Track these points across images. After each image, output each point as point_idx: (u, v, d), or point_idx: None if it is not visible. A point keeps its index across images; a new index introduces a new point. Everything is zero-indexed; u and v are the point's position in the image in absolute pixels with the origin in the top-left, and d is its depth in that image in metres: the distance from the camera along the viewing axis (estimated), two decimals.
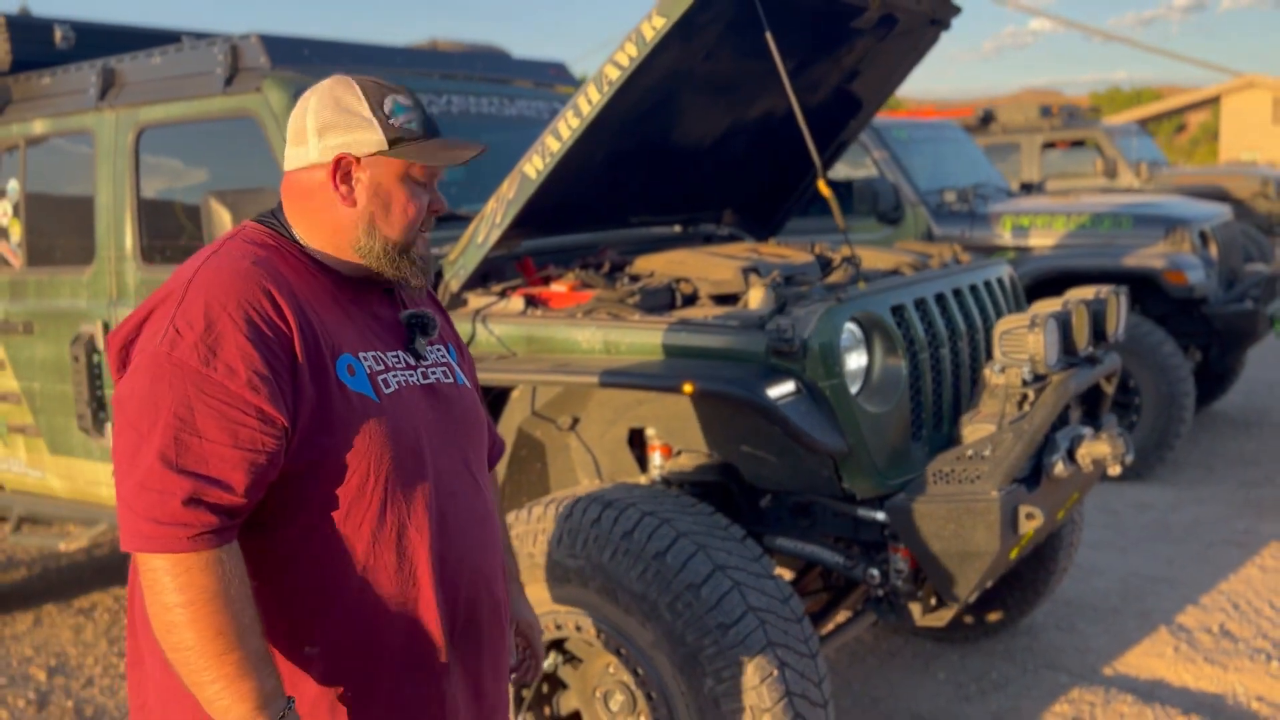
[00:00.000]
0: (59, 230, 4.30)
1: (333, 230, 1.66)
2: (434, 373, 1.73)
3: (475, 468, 1.77)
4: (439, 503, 1.65)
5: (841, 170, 7.98)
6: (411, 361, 1.70)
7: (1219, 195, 11.03)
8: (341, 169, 1.63)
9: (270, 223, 1.69)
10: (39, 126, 4.27)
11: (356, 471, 1.56)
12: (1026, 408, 3.01)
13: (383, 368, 1.64)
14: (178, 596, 1.45)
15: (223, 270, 1.56)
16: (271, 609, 1.57)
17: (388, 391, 1.62)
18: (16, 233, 4.37)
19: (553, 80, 4.84)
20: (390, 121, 1.63)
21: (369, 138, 1.62)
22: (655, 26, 2.90)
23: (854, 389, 2.88)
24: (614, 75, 2.96)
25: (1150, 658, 4.16)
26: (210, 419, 1.47)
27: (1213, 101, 28.89)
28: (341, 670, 1.59)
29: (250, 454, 1.48)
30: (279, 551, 1.57)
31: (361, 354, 1.63)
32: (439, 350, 1.78)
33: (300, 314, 1.56)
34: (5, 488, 4.59)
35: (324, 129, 1.62)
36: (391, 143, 1.62)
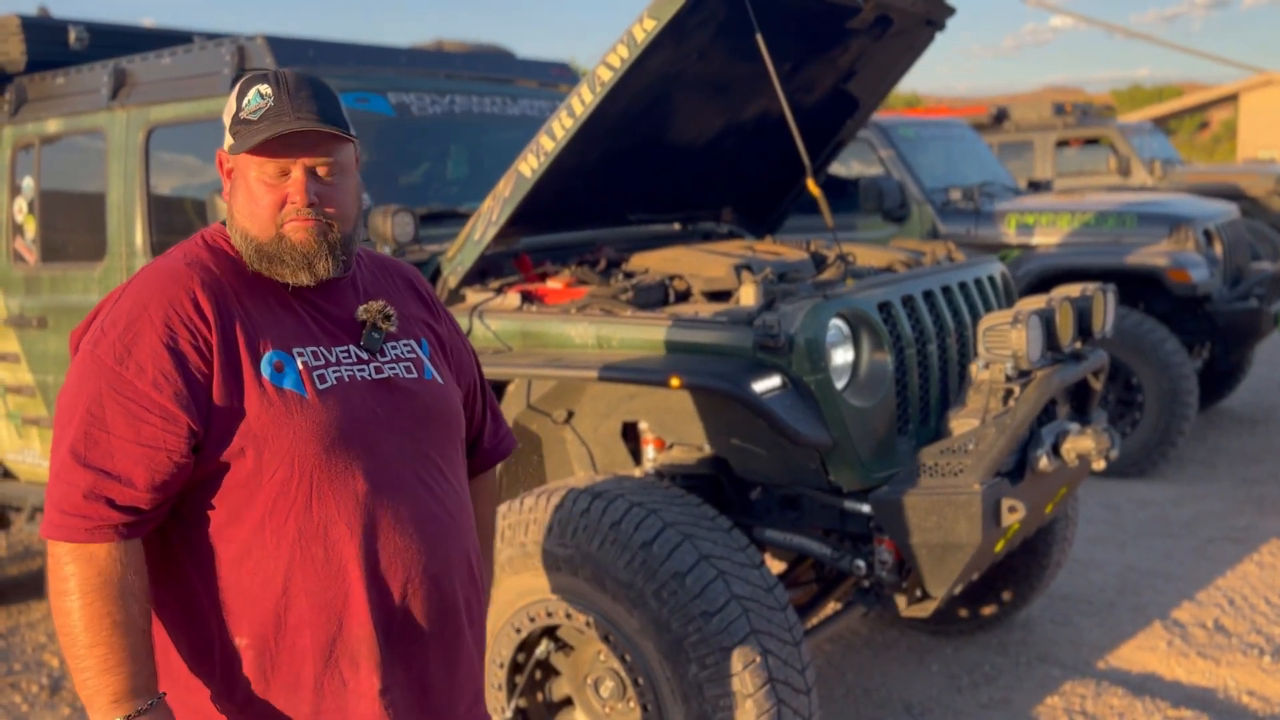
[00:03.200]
0: (72, 227, 4.40)
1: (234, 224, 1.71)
2: (392, 368, 1.74)
3: (436, 463, 1.76)
4: (375, 499, 1.66)
5: (848, 168, 8.03)
6: (364, 356, 1.72)
7: (1233, 193, 10.99)
8: (223, 166, 1.69)
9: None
10: (53, 125, 4.37)
11: (280, 467, 1.60)
12: (1011, 403, 3.06)
13: (321, 363, 1.66)
14: (70, 584, 1.55)
15: (156, 272, 1.64)
16: (202, 601, 1.64)
17: (322, 387, 1.64)
18: (31, 229, 4.47)
19: (556, 80, 4.91)
20: (239, 114, 1.64)
21: (226, 133, 1.67)
22: (646, 29, 2.96)
23: (840, 384, 2.94)
24: (606, 77, 3.02)
25: (1143, 651, 4.20)
26: (119, 415, 1.56)
27: (1232, 99, 28.70)
28: (272, 663, 1.64)
29: (152, 451, 1.56)
30: (207, 544, 1.63)
31: (296, 350, 1.65)
32: (405, 345, 1.79)
33: (224, 313, 1.62)
34: (20, 478, 4.70)
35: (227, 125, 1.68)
36: (234, 135, 1.64)
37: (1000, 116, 11.47)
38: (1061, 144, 11.38)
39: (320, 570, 1.63)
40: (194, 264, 1.65)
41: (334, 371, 1.67)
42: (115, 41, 4.66)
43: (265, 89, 1.63)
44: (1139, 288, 6.59)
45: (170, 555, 1.65)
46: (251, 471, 1.61)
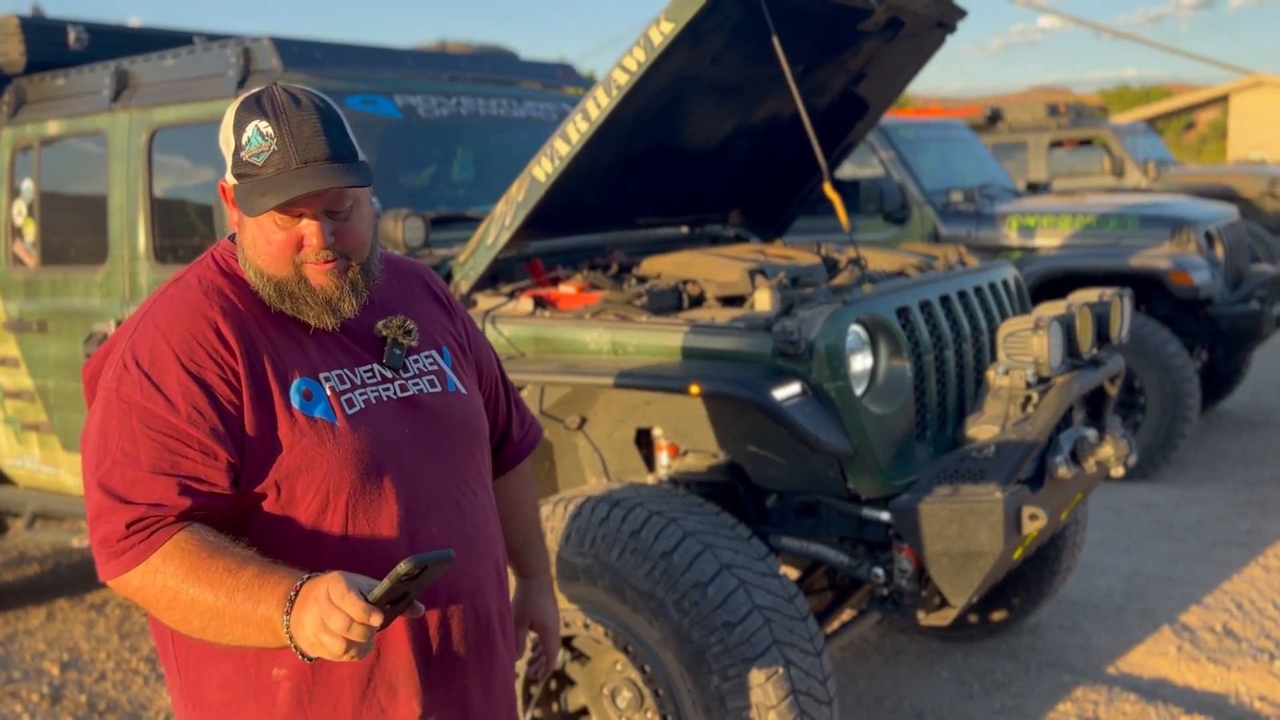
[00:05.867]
0: (73, 230, 4.35)
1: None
2: (416, 384, 1.69)
3: (465, 477, 1.73)
4: (411, 522, 1.62)
5: (848, 169, 8.00)
6: (387, 374, 1.67)
7: (1227, 194, 11.02)
8: (226, 195, 1.61)
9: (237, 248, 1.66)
10: (53, 127, 4.31)
11: (316, 497, 1.56)
12: (1030, 409, 3.04)
13: (348, 386, 1.61)
14: (169, 583, 1.47)
15: (172, 302, 1.58)
16: None
17: (351, 411, 1.60)
18: (31, 232, 4.41)
19: (560, 81, 4.87)
20: (240, 154, 1.54)
21: (229, 170, 1.57)
22: (663, 31, 2.93)
23: (859, 390, 2.92)
24: (622, 80, 2.99)
25: (1153, 657, 4.18)
26: (154, 452, 1.50)
27: (1221, 100, 28.80)
28: (309, 693, 1.60)
29: (193, 482, 1.51)
30: None
31: (323, 375, 1.60)
32: (428, 357, 1.74)
33: (248, 343, 1.56)
34: (19, 484, 4.64)
35: (224, 152, 1.60)
36: (238, 178, 1.56)
37: (994, 117, 11.46)
38: (1055, 145, 11.39)
39: None
40: (211, 291, 1.60)
41: (360, 394, 1.63)
42: (114, 42, 4.61)
43: (266, 129, 1.52)
44: (1141, 290, 6.58)
45: None
46: (285, 503, 1.56)
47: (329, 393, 1.60)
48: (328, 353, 1.64)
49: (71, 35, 4.46)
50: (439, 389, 1.72)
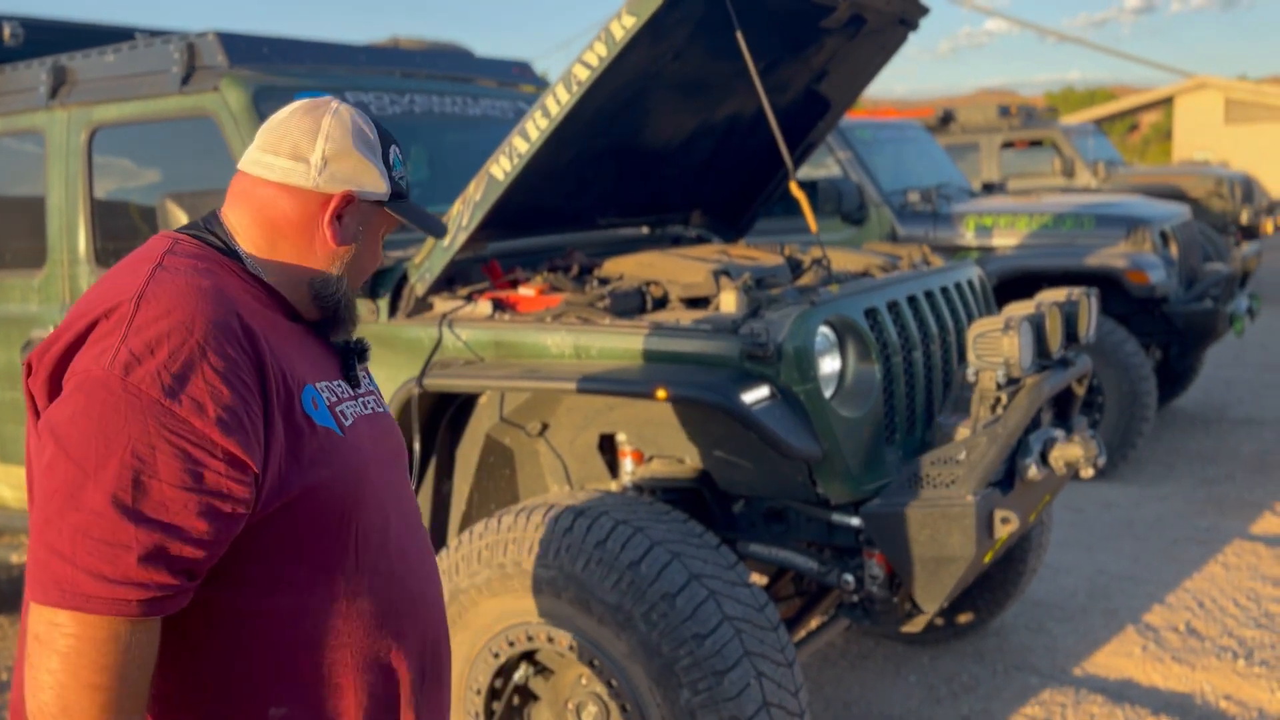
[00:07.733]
0: (8, 233, 4.17)
1: (298, 258, 1.52)
2: (370, 402, 1.62)
3: (413, 499, 1.69)
4: (399, 542, 1.54)
5: (805, 170, 7.96)
6: (352, 391, 1.58)
7: (1175, 195, 11.14)
8: (340, 206, 1.53)
9: (206, 237, 1.51)
10: None
11: (329, 513, 1.43)
12: (1000, 411, 2.99)
13: (336, 399, 1.52)
14: (92, 676, 1.26)
15: (181, 287, 1.37)
16: (232, 670, 1.41)
17: (347, 424, 1.50)
18: None
19: (516, 79, 4.77)
20: (394, 174, 1.58)
21: (377, 185, 1.55)
22: (625, 26, 2.84)
23: (828, 393, 2.85)
24: (583, 75, 2.90)
25: (1119, 657, 4.17)
26: (174, 460, 1.28)
27: (1165, 102, 29.24)
28: None
29: (216, 500, 1.30)
30: (244, 604, 1.41)
31: (321, 384, 1.50)
32: (368, 377, 1.68)
33: (263, 344, 1.40)
34: None
35: (336, 157, 1.50)
36: (393, 196, 1.58)
37: (946, 118, 11.51)
38: (1006, 146, 11.45)
39: (370, 624, 1.48)
40: (222, 284, 1.43)
41: (350, 407, 1.54)
42: (51, 38, 4.44)
43: (398, 152, 1.61)
44: (1098, 289, 6.60)
45: (186, 626, 1.39)
46: (300, 519, 1.41)
47: (328, 403, 1.49)
48: (316, 364, 1.53)
49: (5, 30, 4.28)
50: (382, 409, 1.65)
